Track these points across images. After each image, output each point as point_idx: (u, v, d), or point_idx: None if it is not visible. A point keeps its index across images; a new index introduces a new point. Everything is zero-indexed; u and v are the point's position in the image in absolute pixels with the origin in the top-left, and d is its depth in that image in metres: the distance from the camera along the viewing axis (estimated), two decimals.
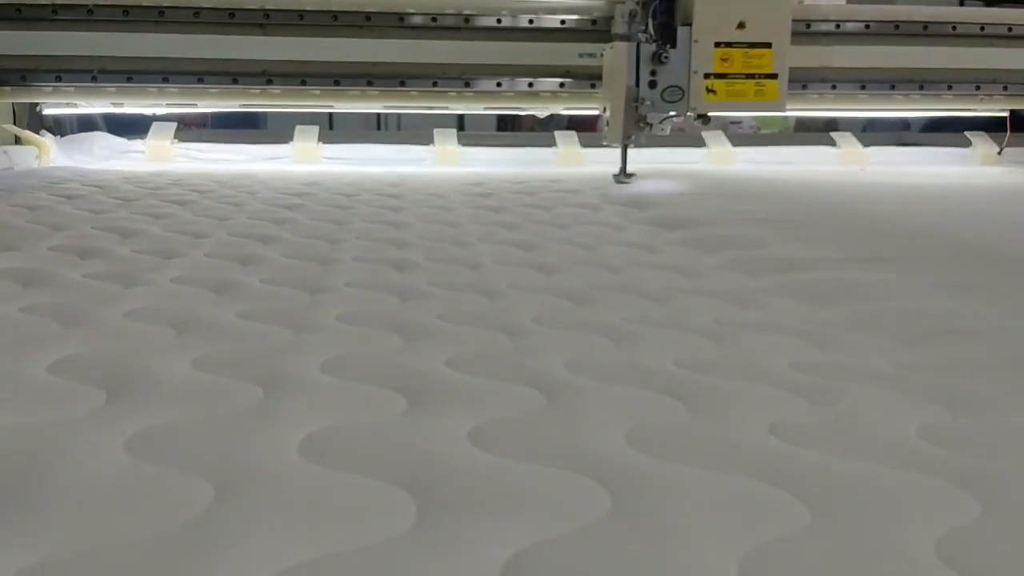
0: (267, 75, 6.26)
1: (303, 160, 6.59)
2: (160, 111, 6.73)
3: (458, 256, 3.32)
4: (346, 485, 1.33)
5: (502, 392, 1.83)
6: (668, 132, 5.37)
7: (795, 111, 6.97)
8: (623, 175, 5.40)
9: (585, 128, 7.02)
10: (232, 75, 6.26)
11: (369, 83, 6.30)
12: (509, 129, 8.71)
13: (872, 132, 7.66)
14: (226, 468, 1.38)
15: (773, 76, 5.39)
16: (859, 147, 6.98)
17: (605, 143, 5.42)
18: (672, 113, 5.35)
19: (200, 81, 6.26)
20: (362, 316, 2.48)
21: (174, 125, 6.80)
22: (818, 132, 7.54)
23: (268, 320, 2.38)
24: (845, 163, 6.82)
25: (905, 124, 8.00)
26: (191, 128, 7.21)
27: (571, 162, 6.53)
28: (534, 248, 3.48)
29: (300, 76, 6.28)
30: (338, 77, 6.30)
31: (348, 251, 3.51)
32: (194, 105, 6.55)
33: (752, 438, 1.55)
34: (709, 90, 5.31)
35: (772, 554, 1.11)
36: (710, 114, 5.52)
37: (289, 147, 6.67)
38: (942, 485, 1.34)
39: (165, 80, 6.24)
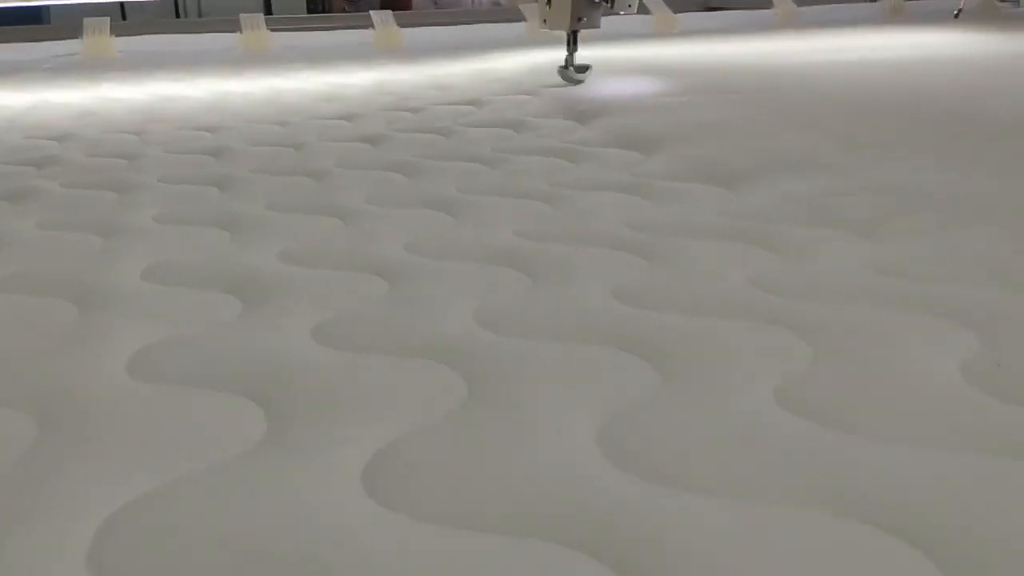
0: None
1: (95, 55, 6.06)
2: None
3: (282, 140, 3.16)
4: (185, 402, 1.25)
5: (342, 282, 1.76)
6: (636, 10, 3.96)
7: None
8: (572, 70, 4.03)
9: (401, 6, 6.75)
10: None
11: None
12: (321, 10, 8.26)
13: None
14: (48, 399, 1.27)
15: None
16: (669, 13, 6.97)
17: (546, 27, 3.98)
18: None
19: None
20: (182, 214, 2.32)
21: None
22: None
23: (74, 229, 2.20)
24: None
25: None
26: None
27: (390, 43, 6.28)
28: None
29: None
30: None
31: (156, 144, 3.28)
32: None
33: (600, 303, 1.56)
34: None
35: (626, 420, 1.12)
36: None
37: (78, 42, 6.12)
38: (774, 331, 1.38)
39: None
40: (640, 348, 1.34)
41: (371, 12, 6.66)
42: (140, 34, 6.41)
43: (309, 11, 8.55)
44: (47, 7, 7.28)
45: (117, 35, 6.30)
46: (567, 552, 0.85)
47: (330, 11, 8.38)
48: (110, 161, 3.10)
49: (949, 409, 1.11)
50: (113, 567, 0.87)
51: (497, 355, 1.34)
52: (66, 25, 6.46)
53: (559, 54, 4.13)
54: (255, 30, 6.37)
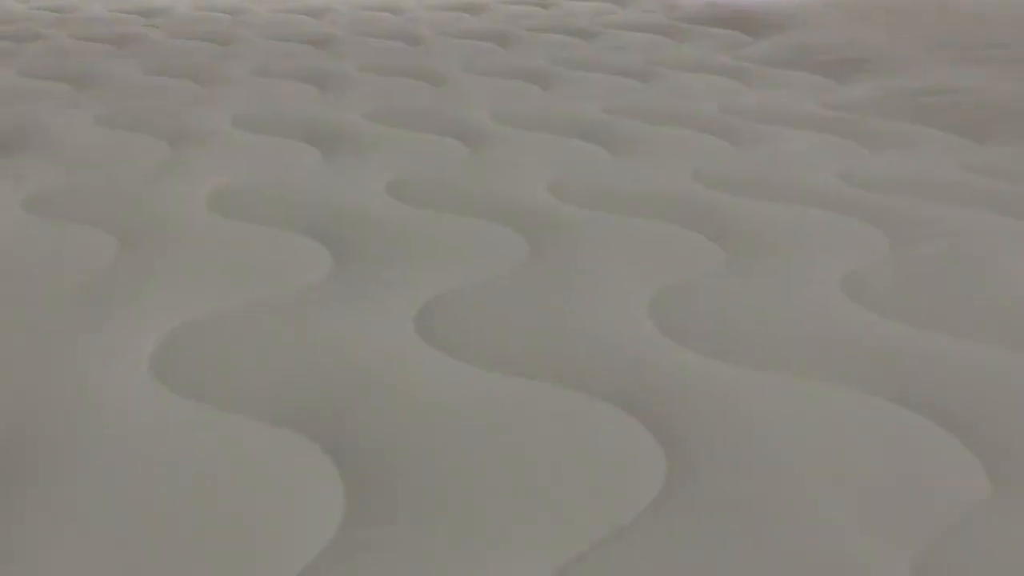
0: None
1: None
2: None
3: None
4: (257, 237, 1.29)
5: (423, 143, 1.76)
6: None
7: None
8: None
9: None
10: None
11: None
12: None
13: None
14: (130, 223, 1.32)
15: None
16: None
17: None
18: None
19: None
20: (276, 68, 2.35)
21: None
22: None
23: (175, 75, 2.25)
24: None
25: None
26: None
27: None
28: None
29: None
30: None
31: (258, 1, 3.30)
32: None
33: (680, 183, 1.53)
34: None
35: (684, 292, 1.11)
36: None
37: None
38: (856, 223, 1.34)
39: None
40: (711, 229, 1.32)
41: None
42: None
43: None
44: None
45: None
46: (607, 407, 0.85)
47: None
48: (214, 15, 3.14)
49: (1019, 311, 1.07)
50: (173, 373, 0.91)
51: (564, 222, 1.34)
52: None
53: None
54: None
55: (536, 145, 1.74)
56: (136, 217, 1.35)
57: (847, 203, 1.42)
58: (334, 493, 0.74)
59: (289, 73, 2.30)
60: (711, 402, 0.86)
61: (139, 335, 0.99)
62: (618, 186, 1.51)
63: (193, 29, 2.86)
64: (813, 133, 1.83)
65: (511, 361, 0.94)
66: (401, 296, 1.09)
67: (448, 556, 0.66)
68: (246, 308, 1.06)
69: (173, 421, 0.83)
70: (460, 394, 0.88)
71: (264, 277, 1.15)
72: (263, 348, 0.97)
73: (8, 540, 0.67)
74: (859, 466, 0.77)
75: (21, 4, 3.29)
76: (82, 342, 0.97)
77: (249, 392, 0.88)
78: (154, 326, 1.00)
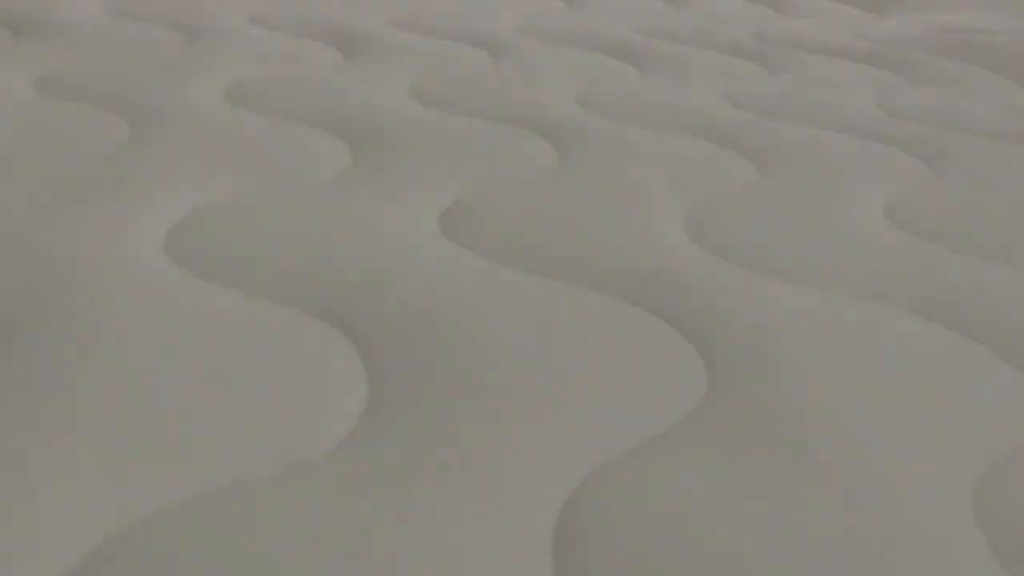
0: None
1: None
2: None
3: None
4: (275, 129, 1.24)
5: (446, 50, 1.70)
6: None
7: None
8: None
9: None
10: None
11: None
12: None
13: None
14: (144, 109, 1.28)
15: None
16: None
17: None
18: None
19: None
20: None
21: None
22: None
23: None
24: None
25: None
26: None
27: None
28: None
29: None
30: None
31: None
32: None
33: (711, 102, 1.48)
34: None
35: (719, 206, 1.07)
36: None
37: None
38: (894, 152, 1.29)
39: None
40: (745, 148, 1.28)
41: None
42: None
43: None
44: None
45: None
46: (640, 312, 0.82)
47: None
48: None
49: None
50: (186, 254, 0.87)
51: (592, 132, 1.29)
52: None
53: None
54: None
55: (562, 58, 1.68)
56: (150, 103, 1.30)
57: (885, 132, 1.37)
58: (356, 379, 0.70)
59: None
60: (750, 316, 0.83)
61: (152, 217, 0.95)
62: (647, 101, 1.46)
63: None
64: (850, 63, 1.77)
65: (540, 263, 0.90)
66: (424, 195, 1.05)
67: (472, 451, 0.63)
68: (263, 196, 1.02)
69: (188, 301, 0.80)
70: (486, 291, 0.84)
71: (282, 168, 1.11)
72: (281, 235, 0.93)
73: (19, 414, 0.64)
74: (901, 387, 0.74)
75: None
76: (94, 221, 0.93)
77: (265, 276, 0.85)
78: (167, 210, 0.96)
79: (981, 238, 1.03)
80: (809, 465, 0.63)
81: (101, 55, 1.53)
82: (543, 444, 0.64)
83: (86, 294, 0.79)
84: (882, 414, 0.69)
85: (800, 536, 0.56)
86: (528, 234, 0.96)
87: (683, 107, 1.44)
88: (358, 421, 0.66)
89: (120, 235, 0.90)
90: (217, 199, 1.00)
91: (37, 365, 0.69)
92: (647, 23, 1.98)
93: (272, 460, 0.61)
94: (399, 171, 1.12)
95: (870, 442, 0.66)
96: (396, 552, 0.53)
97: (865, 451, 0.65)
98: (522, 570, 0.52)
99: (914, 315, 0.85)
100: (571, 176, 1.13)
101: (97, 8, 1.83)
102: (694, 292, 0.86)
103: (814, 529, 0.57)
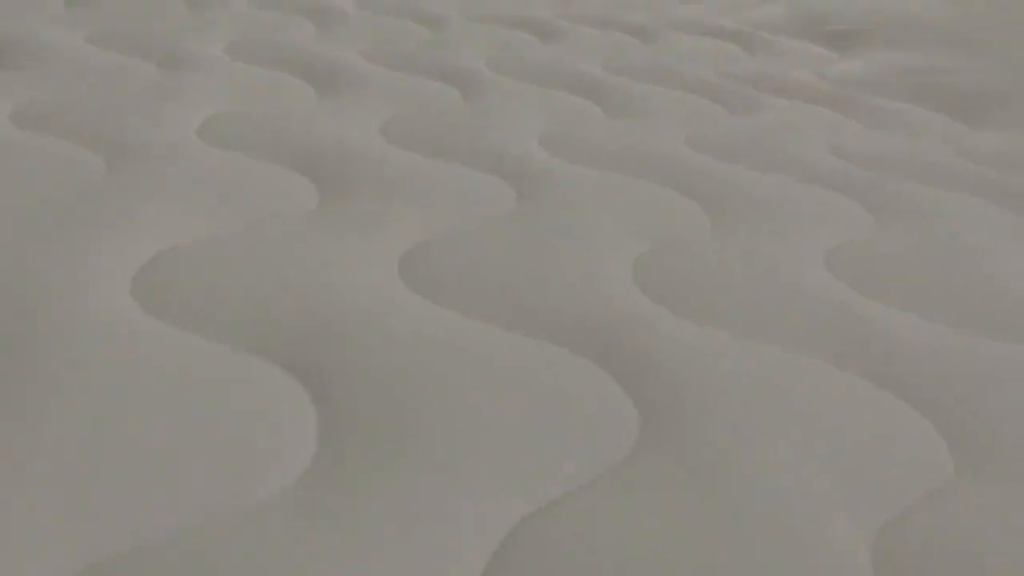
0: None
1: None
2: None
3: None
4: (246, 168, 1.29)
5: (418, 86, 1.75)
6: None
7: None
8: None
9: None
10: None
11: None
12: None
13: None
14: (119, 144, 1.32)
15: None
16: None
17: None
18: None
19: None
20: (273, 0, 2.32)
21: None
22: None
23: None
24: None
25: None
26: None
27: None
28: None
29: None
30: None
31: None
32: None
33: (672, 146, 1.53)
34: None
35: (668, 253, 1.12)
36: None
37: None
38: (842, 199, 1.35)
39: None
40: (698, 193, 1.33)
41: None
42: None
43: None
44: None
45: None
46: (583, 362, 0.87)
47: None
48: None
49: (992, 297, 1.09)
50: (152, 295, 0.91)
51: (553, 175, 1.34)
52: None
53: None
54: None
55: (531, 97, 1.74)
56: (125, 139, 1.34)
57: (835, 178, 1.43)
58: (308, 424, 0.75)
59: (287, 6, 2.28)
60: (685, 365, 0.87)
61: (122, 259, 0.99)
62: (609, 144, 1.51)
63: None
64: (809, 106, 1.83)
65: (491, 310, 0.95)
66: (385, 238, 1.10)
67: (415, 494, 0.67)
68: (229, 238, 1.06)
69: (151, 345, 0.84)
70: (438, 339, 0.89)
71: (249, 208, 1.15)
72: (244, 278, 0.97)
73: None
74: (826, 437, 0.79)
75: None
76: (67, 262, 0.97)
77: (226, 320, 0.89)
78: (135, 253, 1.00)
79: (911, 288, 1.08)
80: (724, 512, 0.68)
81: (79, 86, 1.57)
82: (479, 491, 0.68)
83: (51, 339, 0.83)
84: (809, 471, 0.74)
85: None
86: (481, 281, 1.01)
87: (643, 151, 1.50)
88: (308, 465, 0.70)
89: (88, 278, 0.94)
90: (184, 242, 1.04)
91: None
92: (617, 60, 2.04)
93: (224, 502, 0.65)
94: (363, 214, 1.17)
95: (796, 500, 0.71)
96: None
97: (790, 511, 0.69)
98: None
99: (834, 366, 0.90)
100: (529, 221, 1.18)
101: (79, 36, 1.87)
102: (634, 342, 0.90)
103: (722, 571, 0.61)
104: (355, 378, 0.81)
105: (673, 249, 1.14)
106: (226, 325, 0.88)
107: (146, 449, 0.70)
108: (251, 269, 0.99)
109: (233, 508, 0.65)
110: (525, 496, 0.68)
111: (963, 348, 0.96)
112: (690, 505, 0.69)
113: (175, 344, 0.84)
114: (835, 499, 0.70)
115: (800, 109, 1.80)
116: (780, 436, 0.78)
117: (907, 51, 2.28)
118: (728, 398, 0.83)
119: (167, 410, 0.74)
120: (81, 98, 1.51)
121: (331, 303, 0.93)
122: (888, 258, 1.17)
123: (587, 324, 0.93)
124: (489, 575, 0.60)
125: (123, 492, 0.65)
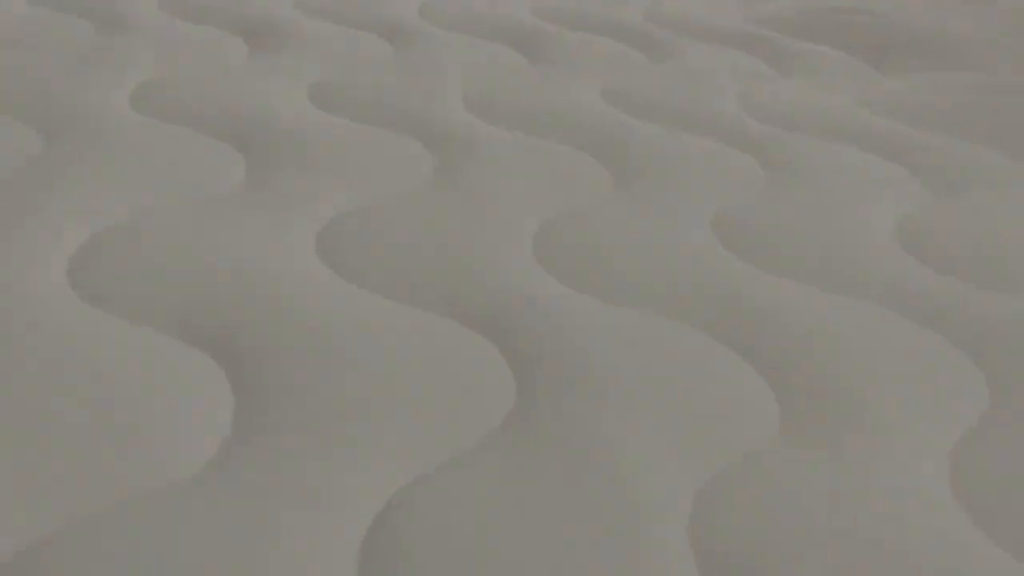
0: None
1: None
2: None
3: None
4: (177, 139, 1.35)
5: (350, 41, 1.81)
6: None
7: None
8: None
9: None
10: None
11: None
12: None
13: None
14: (53, 117, 1.38)
15: None
16: None
17: None
18: None
19: None
20: None
21: None
22: None
23: None
24: None
25: None
26: None
27: None
28: None
29: None
30: None
31: None
32: None
33: (588, 101, 1.61)
34: None
35: (568, 222, 1.21)
36: None
37: None
38: (739, 157, 1.44)
39: None
40: (606, 155, 1.41)
41: None
42: None
43: None
44: None
45: None
46: (471, 335, 0.97)
47: None
48: None
49: (864, 262, 1.19)
50: (86, 279, 1.00)
51: (473, 138, 1.42)
52: None
53: None
54: None
55: (461, 50, 1.80)
56: (59, 111, 1.40)
57: (739, 134, 1.52)
58: (224, 407, 0.84)
59: None
60: (564, 332, 0.98)
61: (57, 242, 1.07)
62: (529, 102, 1.59)
63: None
64: (728, 50, 1.90)
65: (394, 285, 1.04)
66: (306, 213, 1.18)
67: (312, 471, 0.78)
68: (158, 218, 1.14)
69: (75, 327, 0.92)
70: (347, 317, 0.98)
71: (179, 184, 1.23)
72: (168, 262, 1.06)
73: None
74: (665, 400, 0.89)
75: None
76: (7, 237, 1.05)
77: (150, 303, 0.98)
78: (71, 235, 1.08)
79: (787, 251, 1.18)
80: (576, 477, 0.79)
81: (13, 54, 1.61)
82: (363, 462, 0.78)
83: None
84: (643, 436, 0.85)
85: (560, 538, 0.72)
86: (390, 258, 1.10)
87: (561, 108, 1.57)
88: (217, 448, 0.80)
89: (23, 263, 1.02)
90: (117, 222, 1.12)
91: None
92: (549, 5, 2.09)
93: (137, 484, 0.75)
94: (285, 188, 1.25)
95: (629, 465, 0.81)
96: (241, 564, 0.68)
97: (624, 475, 0.80)
98: None
99: (701, 331, 1.00)
100: (443, 191, 1.27)
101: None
102: (521, 312, 1.00)
103: (572, 531, 0.73)
104: (267, 359, 0.90)
105: (576, 218, 1.23)
106: (150, 308, 0.97)
107: (62, 433, 0.79)
108: (175, 250, 1.08)
109: (145, 490, 0.75)
110: (404, 468, 0.78)
111: (827, 312, 1.06)
112: (549, 466, 0.79)
113: (101, 327, 0.93)
114: (660, 460, 0.81)
115: (718, 56, 1.87)
116: (629, 401, 0.88)
117: None
118: (596, 365, 0.93)
119: (86, 393, 0.84)
120: (17, 66, 1.56)
121: (250, 284, 1.02)
122: (768, 221, 1.26)
123: (480, 297, 1.03)
124: (365, 546, 0.71)
125: (39, 476, 0.75)
